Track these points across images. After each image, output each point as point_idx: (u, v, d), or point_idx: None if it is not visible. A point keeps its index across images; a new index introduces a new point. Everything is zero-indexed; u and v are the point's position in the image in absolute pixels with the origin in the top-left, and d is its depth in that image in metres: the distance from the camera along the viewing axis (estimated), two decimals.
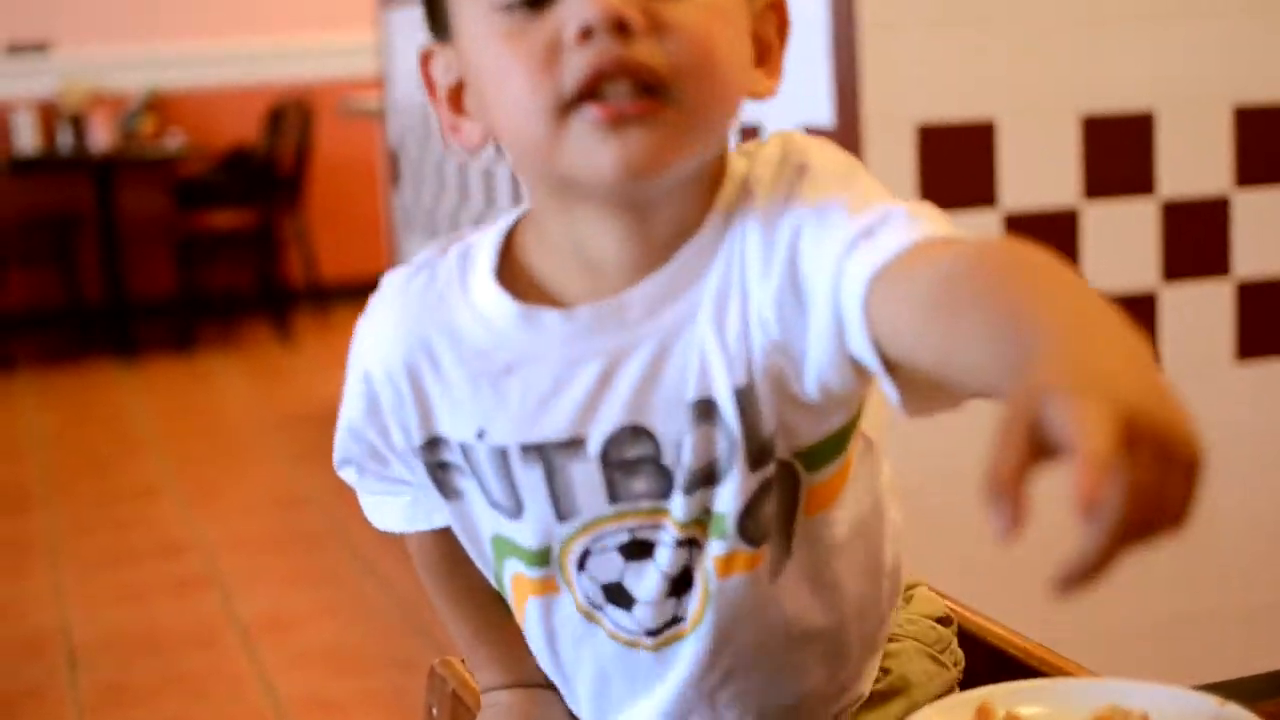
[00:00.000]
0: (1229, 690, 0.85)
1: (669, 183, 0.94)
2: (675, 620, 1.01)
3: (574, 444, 0.98)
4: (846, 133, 2.03)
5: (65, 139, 6.67)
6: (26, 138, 6.69)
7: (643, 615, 1.02)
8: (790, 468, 0.98)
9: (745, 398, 0.95)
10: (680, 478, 0.97)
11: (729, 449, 0.96)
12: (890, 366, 0.85)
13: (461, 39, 0.97)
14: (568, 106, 0.90)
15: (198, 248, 6.83)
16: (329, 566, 3.74)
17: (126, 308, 6.68)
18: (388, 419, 1.05)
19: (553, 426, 0.98)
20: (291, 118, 6.83)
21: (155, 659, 3.28)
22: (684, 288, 0.96)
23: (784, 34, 1.02)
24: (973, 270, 0.80)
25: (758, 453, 0.96)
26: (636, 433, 0.97)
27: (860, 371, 0.89)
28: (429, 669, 1.30)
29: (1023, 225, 2.10)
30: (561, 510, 1.00)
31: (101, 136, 6.65)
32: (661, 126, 0.90)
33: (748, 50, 0.98)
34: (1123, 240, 2.16)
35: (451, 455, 1.03)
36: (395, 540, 1.18)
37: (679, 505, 0.98)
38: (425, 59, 1.02)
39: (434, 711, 1.28)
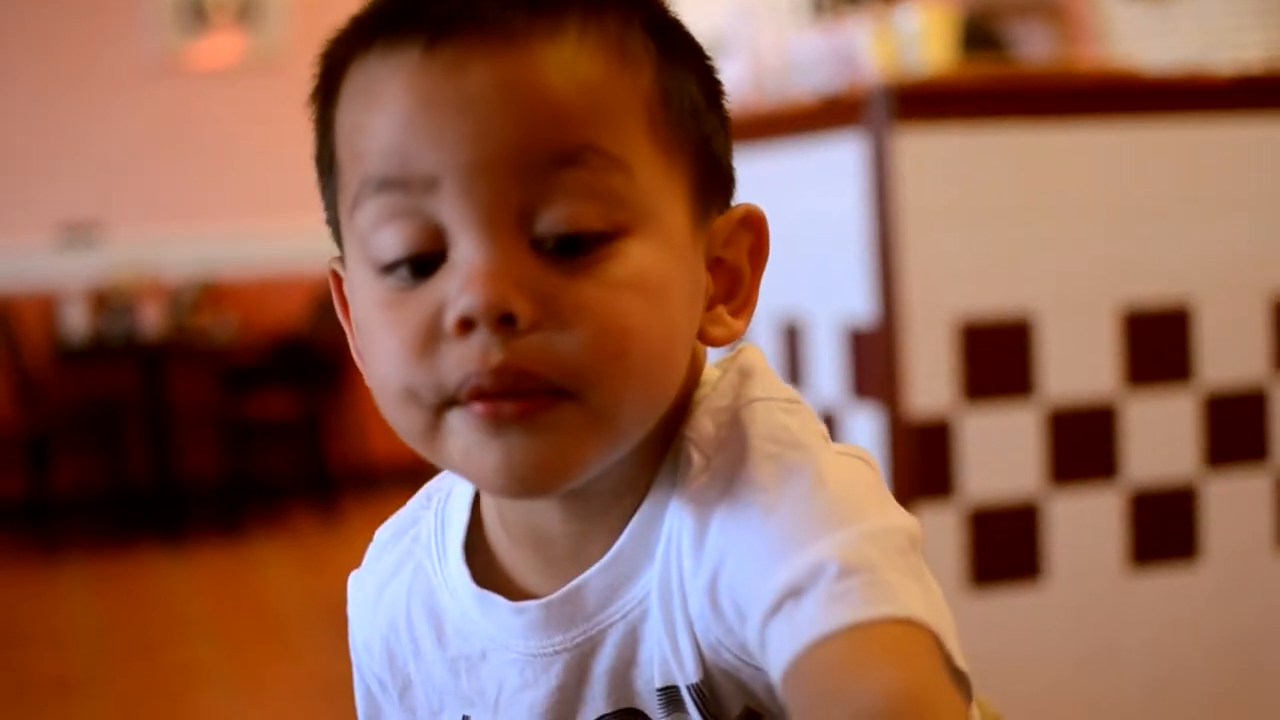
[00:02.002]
0: None
1: (581, 483, 0.79)
2: None
3: None
4: (887, 327, 2.07)
5: (115, 327, 6.76)
6: (76, 326, 6.79)
7: None
8: None
9: (703, 693, 0.81)
10: None
11: None
12: None
13: (348, 277, 0.83)
14: (442, 403, 0.76)
15: (246, 433, 6.89)
16: None
17: (174, 492, 6.72)
18: (380, 691, 0.95)
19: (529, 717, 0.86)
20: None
21: None
22: (643, 561, 0.82)
23: (760, 257, 0.85)
24: None
25: None
26: (626, 715, 0.85)
27: None
28: None
29: (1063, 417, 2.12)
30: None
31: (151, 324, 6.74)
32: (553, 430, 0.75)
33: (693, 305, 0.81)
34: (1163, 430, 2.17)
35: None
36: None
37: None
38: (336, 278, 0.87)
39: None
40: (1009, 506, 2.11)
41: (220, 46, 7.20)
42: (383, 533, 0.96)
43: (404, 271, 0.76)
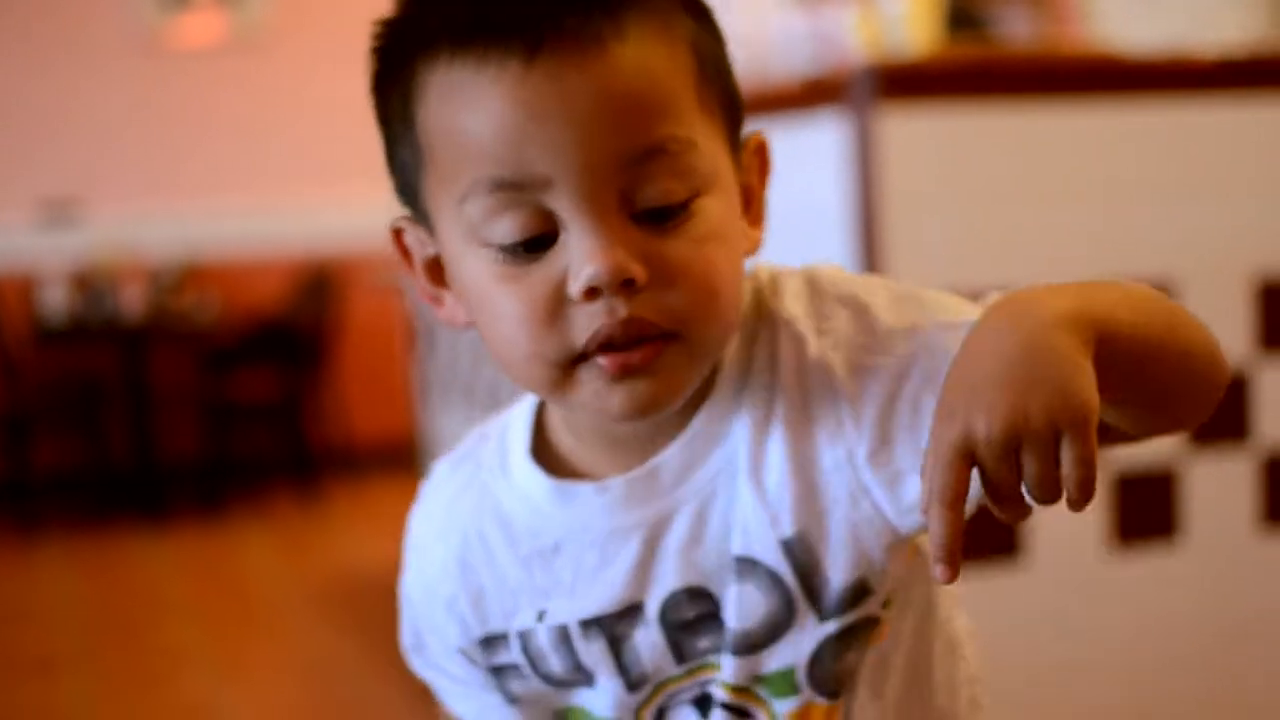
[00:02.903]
0: None
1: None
2: None
3: (632, 611, 0.98)
4: None
5: (96, 308, 6.74)
6: (56, 307, 6.76)
7: None
8: (875, 617, 0.97)
9: (797, 547, 0.94)
10: (729, 638, 0.97)
11: (782, 605, 0.95)
12: None
13: (445, 247, 0.95)
14: (574, 359, 0.89)
15: (226, 414, 6.88)
16: None
17: (154, 474, 6.71)
18: (444, 617, 1.06)
19: (607, 598, 0.98)
20: (324, 283, 6.91)
21: None
22: (712, 446, 0.96)
23: (765, 175, 1.01)
24: None
25: (833, 603, 0.95)
26: (693, 593, 0.97)
27: None
28: None
29: None
30: (632, 680, 1.00)
31: (132, 305, 6.72)
32: (667, 368, 0.90)
33: (741, 237, 0.95)
34: None
35: (508, 655, 1.03)
36: (429, 711, 1.18)
37: (728, 666, 0.97)
38: (396, 234, 1.00)
39: None
40: None
41: (202, 25, 7.17)
42: (440, 466, 1.09)
43: (519, 250, 0.89)
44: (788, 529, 0.94)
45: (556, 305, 0.88)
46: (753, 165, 0.99)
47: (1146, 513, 2.18)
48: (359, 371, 7.27)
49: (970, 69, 2.19)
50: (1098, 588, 2.15)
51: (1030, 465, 0.78)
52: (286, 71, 7.24)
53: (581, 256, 0.87)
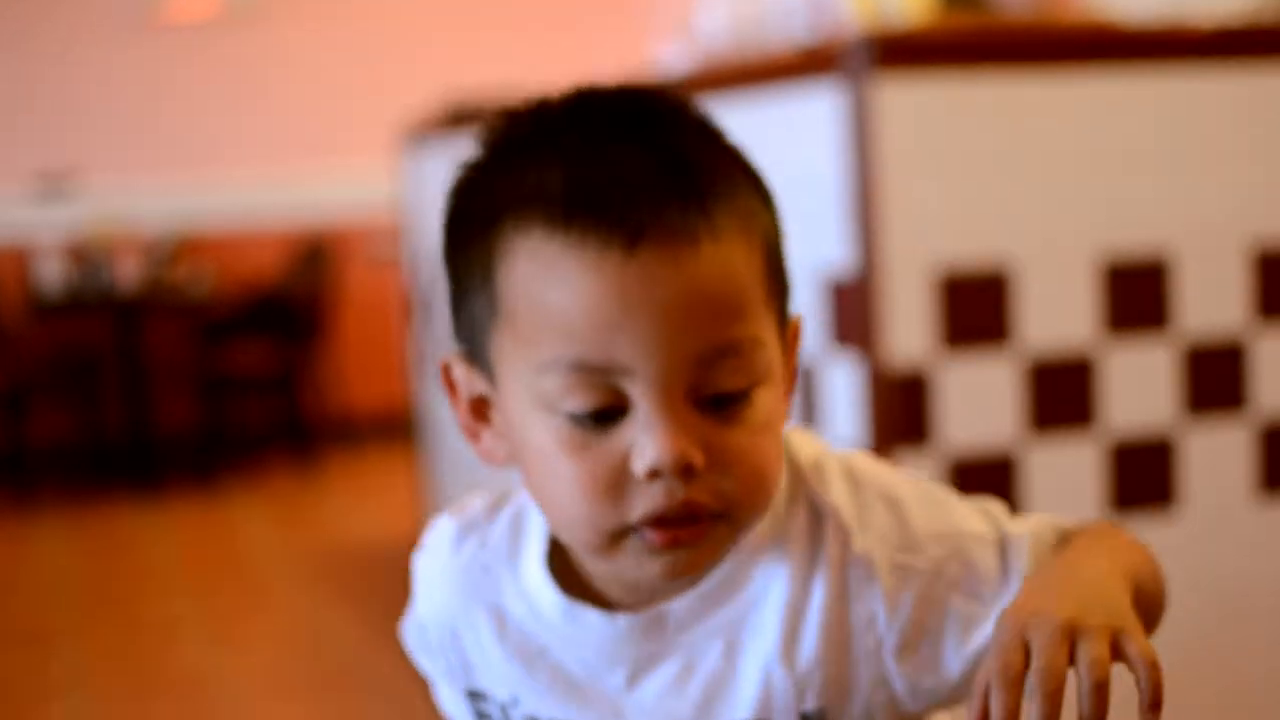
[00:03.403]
0: None
1: None
2: None
3: None
4: (866, 278, 2.06)
5: (91, 281, 6.72)
6: (52, 280, 6.75)
7: None
8: None
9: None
10: None
11: None
12: None
13: (508, 401, 0.98)
14: (626, 530, 0.94)
15: (222, 386, 6.87)
16: (353, 707, 3.72)
17: (150, 446, 6.71)
18: (438, 653, 1.12)
19: (577, 713, 1.03)
20: (319, 255, 6.90)
21: None
22: (721, 604, 1.01)
23: (797, 348, 1.05)
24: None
25: None
26: None
27: None
28: None
29: (1041, 367, 2.12)
30: None
31: (128, 277, 6.71)
32: (710, 543, 0.95)
33: (784, 419, 1.00)
34: (1141, 380, 2.17)
35: (491, 709, 1.09)
36: (422, 682, 1.20)
37: None
38: (445, 369, 1.04)
39: None
40: (988, 454, 2.11)
41: None
42: (446, 527, 1.12)
43: (588, 420, 0.93)
44: (811, 703, 1.00)
45: (618, 479, 0.93)
46: (790, 344, 1.03)
47: (1143, 481, 2.18)
48: (355, 343, 7.26)
49: (966, 38, 2.18)
50: None
51: (1084, 651, 0.84)
52: (282, 44, 7.21)
53: (648, 439, 0.91)
